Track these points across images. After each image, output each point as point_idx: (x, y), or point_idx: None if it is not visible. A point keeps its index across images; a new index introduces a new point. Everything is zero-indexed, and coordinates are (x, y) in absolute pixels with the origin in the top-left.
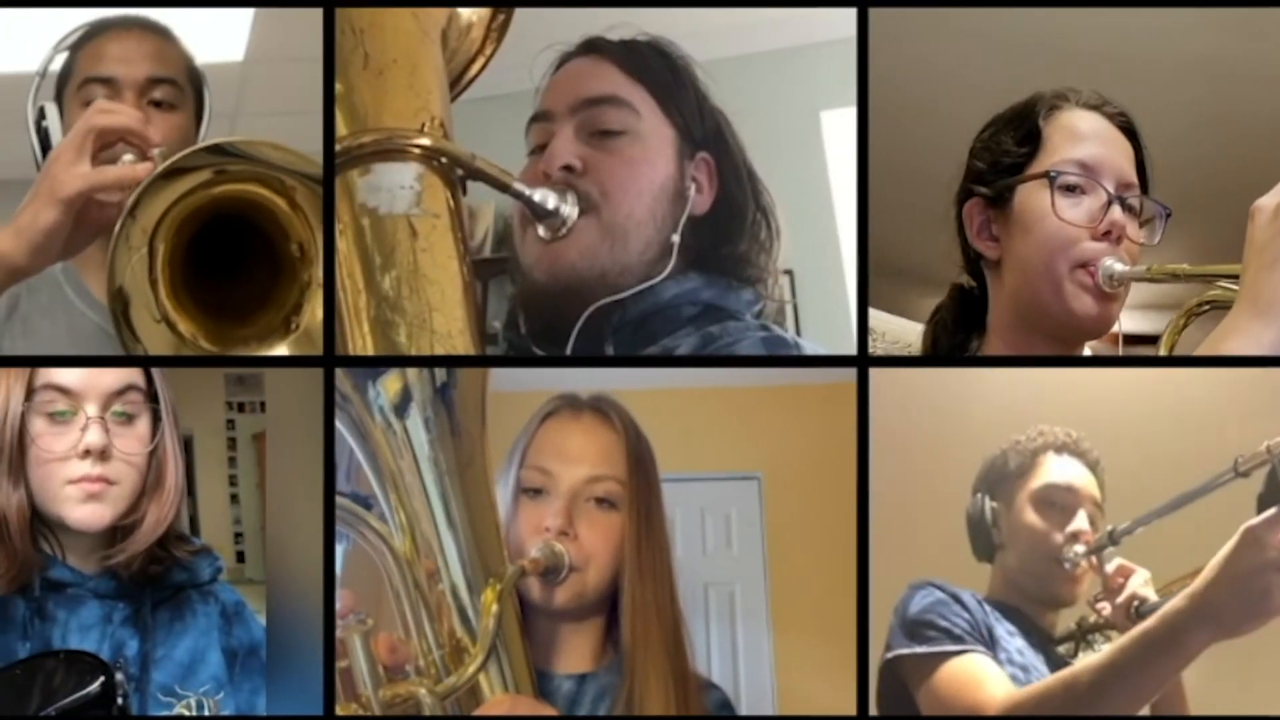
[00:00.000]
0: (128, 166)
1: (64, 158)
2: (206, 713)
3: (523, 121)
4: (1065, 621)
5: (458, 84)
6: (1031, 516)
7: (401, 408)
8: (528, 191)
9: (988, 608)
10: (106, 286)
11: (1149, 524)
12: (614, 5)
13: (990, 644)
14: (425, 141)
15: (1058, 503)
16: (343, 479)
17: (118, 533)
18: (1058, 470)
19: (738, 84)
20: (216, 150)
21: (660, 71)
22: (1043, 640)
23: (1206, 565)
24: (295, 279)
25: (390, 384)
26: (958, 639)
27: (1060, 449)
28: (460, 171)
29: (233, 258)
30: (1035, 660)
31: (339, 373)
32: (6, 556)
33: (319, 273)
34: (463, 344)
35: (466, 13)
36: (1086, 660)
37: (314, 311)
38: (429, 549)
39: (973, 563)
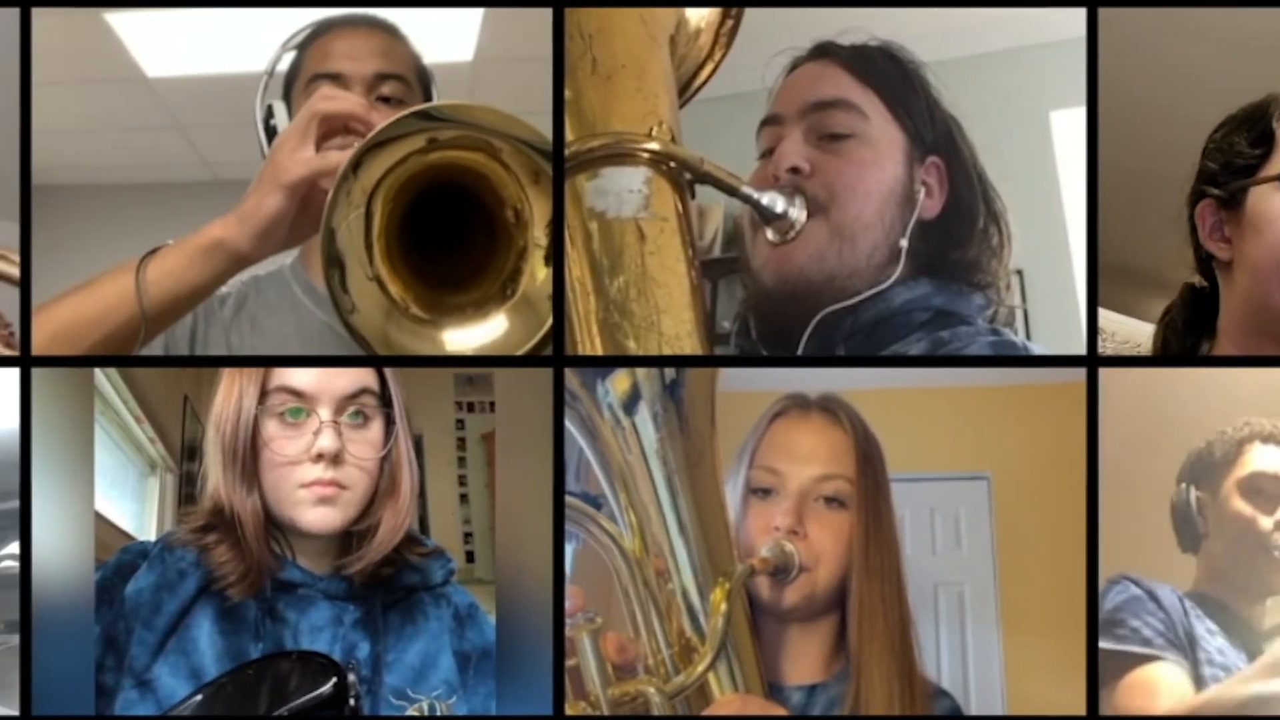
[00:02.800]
0: (351, 152)
1: (288, 144)
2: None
3: (752, 121)
4: (1272, 613)
5: (686, 90)
6: (1239, 504)
7: (630, 405)
8: (756, 195)
9: (1189, 604)
10: (320, 237)
11: None
12: (844, 5)
13: (1190, 646)
14: (654, 146)
15: (1265, 490)
16: (572, 479)
17: (352, 538)
18: (1265, 459)
19: (966, 85)
20: (425, 116)
21: (890, 76)
22: (1247, 637)
23: None
24: (512, 244)
25: (619, 382)
26: (1146, 641)
27: (1267, 439)
28: (689, 175)
29: (450, 228)
30: (1237, 660)
31: (567, 372)
32: (243, 560)
33: (536, 234)
34: (690, 346)
35: (695, 19)
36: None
37: (532, 275)
38: (658, 548)
39: (1180, 556)
